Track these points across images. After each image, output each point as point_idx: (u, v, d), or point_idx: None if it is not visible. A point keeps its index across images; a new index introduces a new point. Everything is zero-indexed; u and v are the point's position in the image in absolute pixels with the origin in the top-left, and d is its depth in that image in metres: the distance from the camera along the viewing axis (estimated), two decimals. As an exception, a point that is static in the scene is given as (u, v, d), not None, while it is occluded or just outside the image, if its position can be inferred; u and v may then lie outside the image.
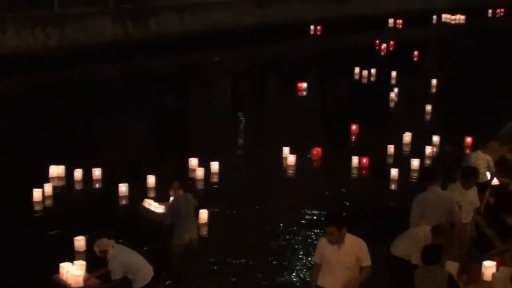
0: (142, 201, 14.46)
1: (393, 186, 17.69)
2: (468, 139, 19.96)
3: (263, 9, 39.90)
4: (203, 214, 14.95)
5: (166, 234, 13.08)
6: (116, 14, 34.27)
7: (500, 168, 16.17)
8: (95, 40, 32.55)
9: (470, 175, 12.40)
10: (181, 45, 34.29)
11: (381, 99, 25.59)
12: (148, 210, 14.06)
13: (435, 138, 20.42)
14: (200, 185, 17.45)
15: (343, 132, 21.56)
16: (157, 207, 13.97)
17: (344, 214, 9.32)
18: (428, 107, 24.10)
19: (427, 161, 19.25)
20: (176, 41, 34.51)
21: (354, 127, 21.62)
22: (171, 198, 13.02)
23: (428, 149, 19.66)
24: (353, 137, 21.42)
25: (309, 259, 13.14)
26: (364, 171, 18.59)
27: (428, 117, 23.77)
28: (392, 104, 25.47)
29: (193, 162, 18.25)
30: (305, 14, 41.16)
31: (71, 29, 32.17)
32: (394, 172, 17.89)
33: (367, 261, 9.23)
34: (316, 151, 19.42)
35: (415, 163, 18.53)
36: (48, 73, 29.51)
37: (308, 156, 19.37)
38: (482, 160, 14.25)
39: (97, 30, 33.10)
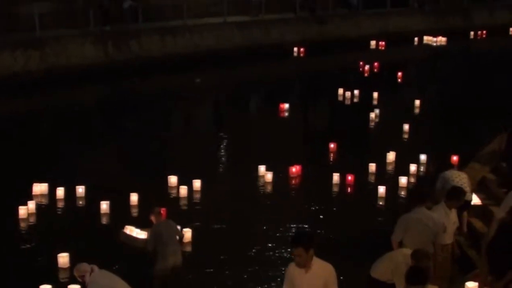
0: (123, 228, 14.01)
1: (380, 203, 17.61)
2: (454, 158, 19.91)
3: (245, 31, 39.85)
4: (187, 233, 14.86)
5: (149, 255, 12.94)
6: (97, 36, 34.18)
7: (481, 189, 16.15)
8: (76, 62, 32.44)
9: (460, 195, 12.40)
10: (163, 67, 34.23)
11: (363, 120, 25.51)
12: (130, 236, 13.73)
13: (422, 157, 20.33)
14: (183, 203, 17.40)
15: (324, 151, 21.44)
16: (139, 233, 13.66)
17: (310, 234, 9.11)
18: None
19: (412, 179, 19.16)
20: (157, 63, 34.44)
21: (332, 145, 21.51)
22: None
23: (413, 167, 19.56)
24: (332, 156, 21.31)
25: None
26: (349, 188, 18.51)
27: (411, 136, 23.62)
28: (373, 125, 25.40)
29: (172, 180, 18.21)
30: (287, 36, 41.15)
31: (52, 52, 32.05)
32: (381, 189, 17.81)
33: (334, 286, 8.96)
34: (295, 168, 19.34)
35: (403, 180, 18.48)
36: (30, 95, 29.37)
37: (287, 173, 19.27)
38: (464, 179, 14.15)
39: (78, 52, 32.97)
